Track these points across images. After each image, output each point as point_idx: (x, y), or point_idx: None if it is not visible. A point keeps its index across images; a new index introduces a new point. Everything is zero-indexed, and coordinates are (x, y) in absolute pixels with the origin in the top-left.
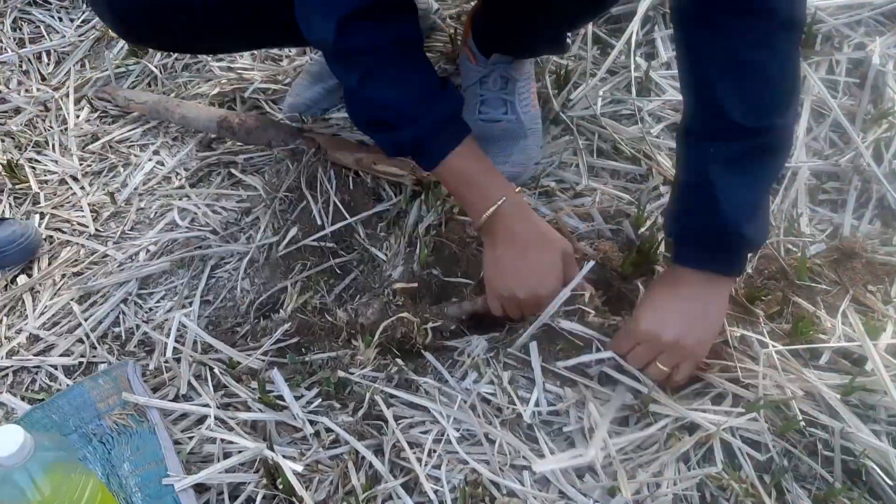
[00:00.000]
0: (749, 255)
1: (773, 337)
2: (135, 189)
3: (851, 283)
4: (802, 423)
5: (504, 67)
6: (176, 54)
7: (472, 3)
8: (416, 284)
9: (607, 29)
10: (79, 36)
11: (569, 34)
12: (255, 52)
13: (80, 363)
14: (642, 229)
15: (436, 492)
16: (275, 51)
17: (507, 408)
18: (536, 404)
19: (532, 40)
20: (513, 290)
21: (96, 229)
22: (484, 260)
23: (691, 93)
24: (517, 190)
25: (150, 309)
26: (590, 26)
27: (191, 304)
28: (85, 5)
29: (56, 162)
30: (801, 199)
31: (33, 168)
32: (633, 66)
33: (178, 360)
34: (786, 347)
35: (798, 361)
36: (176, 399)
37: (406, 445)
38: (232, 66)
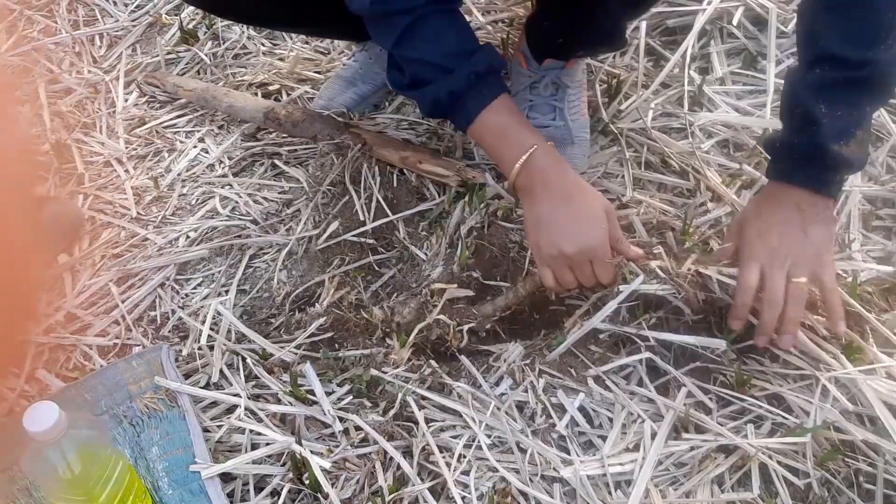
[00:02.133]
0: (845, 176)
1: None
2: (178, 175)
3: None
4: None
5: (556, 73)
6: (227, 43)
7: (525, 8)
8: (455, 286)
9: (662, 41)
10: (132, 21)
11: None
12: (306, 42)
13: (115, 344)
14: (688, 244)
15: (463, 498)
16: (323, 44)
17: (541, 416)
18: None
19: (590, 34)
20: (559, 246)
21: (138, 213)
22: (525, 226)
23: (798, 26)
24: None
25: (187, 295)
26: (643, 37)
27: (227, 292)
28: None
29: (102, 144)
30: (853, 223)
31: (80, 149)
32: (686, 80)
33: (211, 348)
34: (841, 374)
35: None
36: (207, 386)
37: (436, 449)
38: (282, 58)
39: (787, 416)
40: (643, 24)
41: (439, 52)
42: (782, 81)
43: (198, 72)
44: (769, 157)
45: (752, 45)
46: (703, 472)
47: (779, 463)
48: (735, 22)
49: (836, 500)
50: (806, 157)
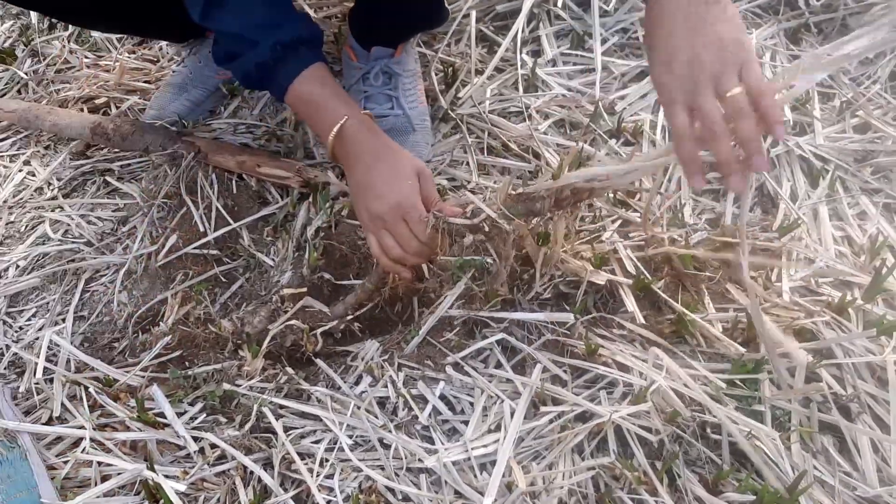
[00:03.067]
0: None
1: (661, 325)
2: (3, 202)
3: (733, 269)
4: (689, 413)
5: (385, 62)
6: (47, 59)
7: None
8: (305, 289)
9: (493, 27)
10: None
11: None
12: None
13: None
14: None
15: (329, 502)
16: (151, 52)
17: (403, 410)
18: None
19: (408, 12)
20: (373, 208)
21: None
22: (349, 193)
23: None
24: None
25: (21, 328)
26: (473, 24)
27: (64, 320)
28: None
29: None
30: (683, 189)
31: None
32: (519, 64)
33: (50, 381)
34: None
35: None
36: (49, 422)
37: (296, 457)
38: (107, 69)
39: (637, 378)
40: (473, 12)
41: (244, 23)
42: (609, 59)
43: (18, 91)
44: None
45: (579, 26)
46: (562, 443)
47: (632, 424)
48: (560, 4)
49: (687, 453)
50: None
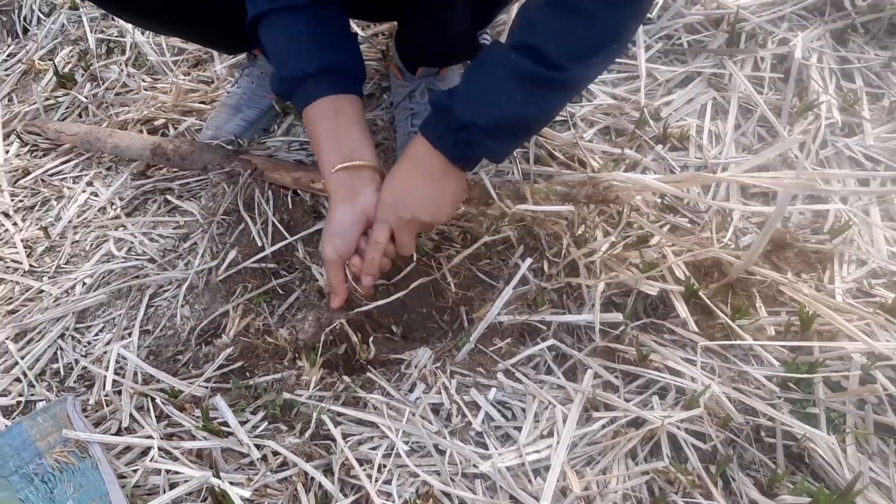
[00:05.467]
0: (481, 159)
1: (713, 329)
2: (69, 222)
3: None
4: (742, 417)
5: (430, 80)
6: (106, 83)
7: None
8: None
9: None
10: (5, 70)
11: (485, 35)
12: (187, 74)
13: (19, 402)
14: (579, 230)
15: None
16: (206, 74)
17: (456, 416)
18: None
19: (446, 45)
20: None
21: (30, 265)
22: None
23: (521, 8)
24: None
25: (89, 343)
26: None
27: (130, 334)
28: (10, 38)
29: None
30: (732, 193)
31: None
32: None
33: (118, 393)
34: (718, 343)
35: (736, 351)
36: (118, 432)
37: (355, 463)
38: (165, 91)
39: (690, 382)
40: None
41: (285, 40)
42: (653, 65)
43: (79, 115)
44: (433, 104)
45: None
46: (616, 448)
47: (685, 430)
48: None
49: (741, 458)
50: (460, 127)
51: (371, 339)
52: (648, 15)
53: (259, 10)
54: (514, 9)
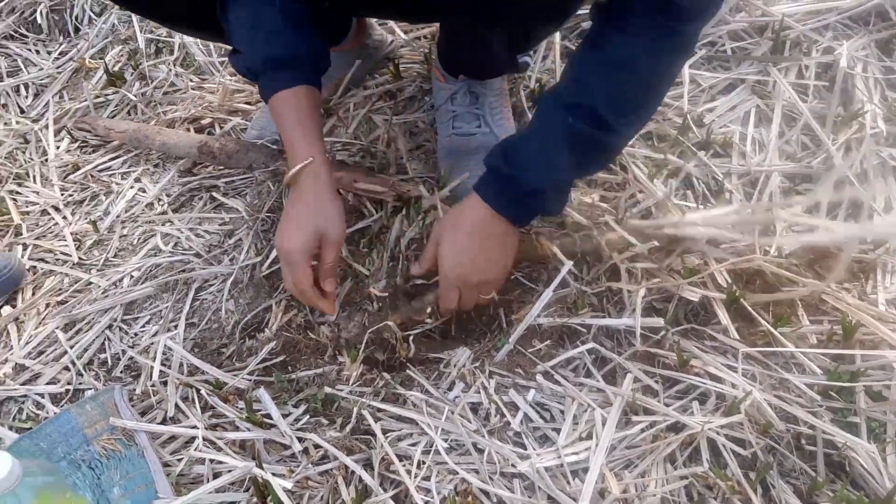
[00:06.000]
0: (538, 214)
1: (754, 336)
2: (117, 217)
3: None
4: (783, 425)
5: (472, 84)
6: (155, 82)
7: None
8: (386, 293)
9: (579, 43)
10: (56, 68)
11: (529, 53)
12: (234, 74)
13: (67, 390)
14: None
15: (426, 503)
16: None
17: (495, 416)
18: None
19: (487, 63)
20: (276, 240)
21: (79, 258)
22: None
23: (569, 67)
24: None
25: (136, 334)
26: (557, 40)
27: (176, 327)
28: (62, 37)
29: (37, 193)
30: (775, 201)
31: (14, 200)
32: None
33: (164, 384)
34: (759, 350)
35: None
36: (164, 422)
37: (395, 458)
38: (212, 91)
39: (730, 389)
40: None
41: (252, 24)
42: (697, 72)
43: (128, 112)
44: (489, 169)
45: None
46: (655, 452)
47: (725, 436)
48: None
49: (781, 465)
50: (527, 194)
51: (411, 337)
52: None
53: None
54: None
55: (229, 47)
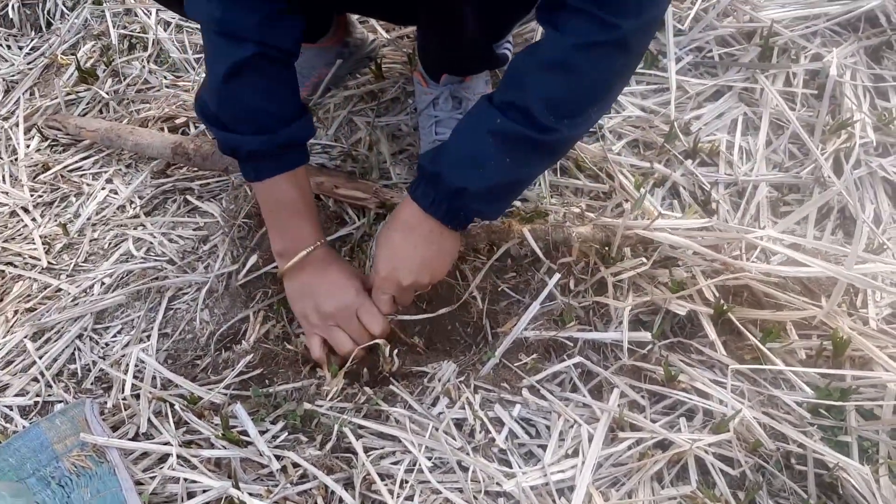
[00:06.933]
0: (472, 217)
1: (742, 350)
2: (88, 219)
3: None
4: (773, 443)
5: (454, 88)
6: (128, 79)
7: None
8: None
9: None
10: (27, 64)
11: (507, 45)
12: None
13: (36, 402)
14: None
15: None
16: None
17: (480, 432)
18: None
19: (463, 56)
20: (324, 307)
21: (49, 262)
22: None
23: (510, 67)
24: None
25: (107, 344)
26: None
27: (148, 337)
28: (33, 32)
29: (6, 193)
30: (762, 212)
31: None
32: None
33: (136, 397)
34: (748, 367)
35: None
36: (136, 437)
37: (377, 478)
38: (186, 89)
39: (718, 405)
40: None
41: (256, 106)
42: (683, 78)
43: (100, 111)
44: (418, 171)
45: (653, 45)
46: (642, 470)
47: (713, 455)
48: None
49: (771, 485)
50: (452, 194)
51: (395, 351)
52: (680, 27)
53: (243, 54)
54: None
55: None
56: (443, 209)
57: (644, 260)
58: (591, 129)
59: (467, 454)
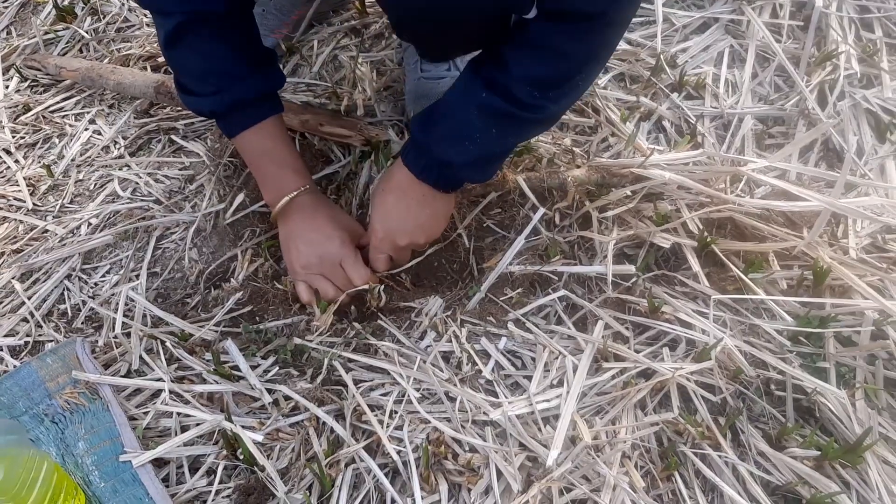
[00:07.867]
0: (462, 182)
1: (725, 281)
2: (72, 160)
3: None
4: (753, 371)
5: None
6: (107, 17)
7: None
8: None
9: None
10: (3, 2)
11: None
12: None
13: (26, 343)
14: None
15: (399, 452)
16: None
17: (467, 364)
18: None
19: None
20: (309, 255)
21: (34, 204)
22: (281, 243)
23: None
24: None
25: (96, 284)
26: None
27: (138, 276)
28: None
29: None
30: (747, 144)
31: None
32: None
33: (127, 335)
34: (730, 297)
35: (748, 304)
36: (128, 374)
37: (367, 408)
38: None
39: (701, 335)
40: None
41: (203, 68)
42: (670, 10)
43: (80, 50)
44: (411, 135)
45: None
46: (625, 398)
47: (695, 382)
48: None
49: (751, 410)
50: (441, 164)
51: (382, 287)
52: None
53: (173, 22)
54: None
55: None
56: (433, 175)
57: (629, 193)
58: None
59: (454, 385)
